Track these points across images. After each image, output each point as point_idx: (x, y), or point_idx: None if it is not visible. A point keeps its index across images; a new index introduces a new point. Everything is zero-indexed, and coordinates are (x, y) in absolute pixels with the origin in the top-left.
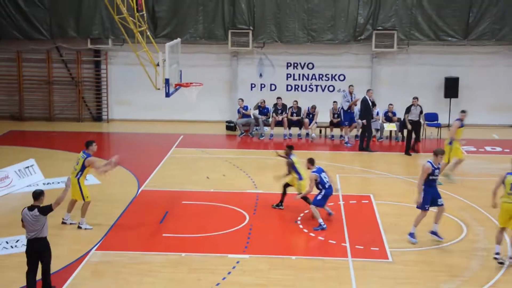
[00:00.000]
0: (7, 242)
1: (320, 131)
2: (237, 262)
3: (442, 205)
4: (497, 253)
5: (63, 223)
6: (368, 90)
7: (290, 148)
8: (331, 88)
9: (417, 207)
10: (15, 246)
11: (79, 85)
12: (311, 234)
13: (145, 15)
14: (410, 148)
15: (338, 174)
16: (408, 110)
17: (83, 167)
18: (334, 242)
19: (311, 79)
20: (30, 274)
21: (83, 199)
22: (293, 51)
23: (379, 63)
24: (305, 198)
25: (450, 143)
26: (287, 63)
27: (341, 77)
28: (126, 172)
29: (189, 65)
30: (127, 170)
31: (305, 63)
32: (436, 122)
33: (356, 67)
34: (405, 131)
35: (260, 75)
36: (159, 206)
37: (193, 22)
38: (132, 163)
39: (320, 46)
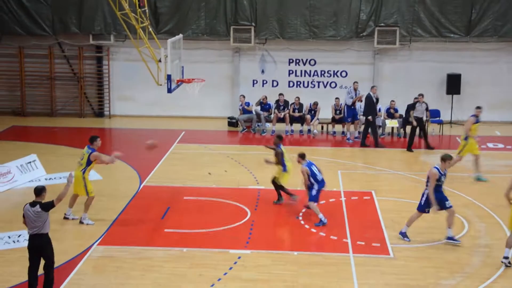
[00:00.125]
0: (9, 237)
1: (322, 128)
2: (239, 258)
3: (451, 207)
4: (506, 257)
5: (65, 218)
6: (372, 87)
7: (279, 138)
8: (333, 85)
9: (418, 210)
10: (17, 241)
11: (81, 81)
12: (313, 229)
13: (147, 11)
14: (412, 144)
15: (339, 170)
16: (413, 107)
17: (89, 162)
18: (336, 237)
19: (313, 76)
20: (32, 269)
21: (87, 194)
22: (295, 48)
23: (381, 60)
24: (285, 190)
25: (466, 138)
26: (289, 60)
27: (343, 74)
28: (128, 168)
29: (191, 61)
30: (129, 165)
31: (307, 60)
32: (438, 118)
33: (358, 63)
34: (408, 128)
35: (262, 71)
36: (160, 201)
37: (195, 18)
38: (134, 159)
39: (322, 43)
